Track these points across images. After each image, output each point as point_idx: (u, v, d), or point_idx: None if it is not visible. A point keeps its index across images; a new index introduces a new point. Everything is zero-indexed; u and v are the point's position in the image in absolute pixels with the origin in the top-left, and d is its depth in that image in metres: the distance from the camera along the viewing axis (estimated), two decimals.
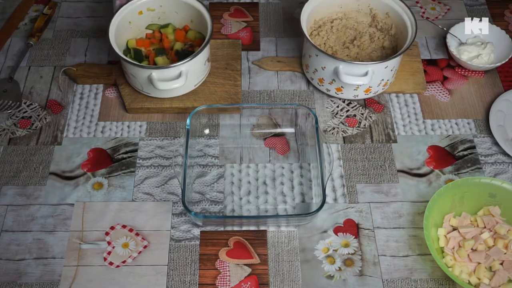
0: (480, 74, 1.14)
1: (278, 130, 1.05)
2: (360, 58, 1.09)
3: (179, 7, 1.10)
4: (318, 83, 1.07)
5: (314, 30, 1.12)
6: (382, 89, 1.06)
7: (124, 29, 1.07)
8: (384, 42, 1.11)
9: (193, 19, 1.10)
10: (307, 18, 1.05)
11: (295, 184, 0.97)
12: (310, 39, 1.01)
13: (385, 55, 1.10)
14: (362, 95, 1.05)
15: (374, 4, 1.11)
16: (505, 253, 0.87)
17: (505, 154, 1.01)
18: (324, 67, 1.02)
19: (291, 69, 1.13)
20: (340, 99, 1.08)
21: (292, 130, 1.04)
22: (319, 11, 1.10)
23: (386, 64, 0.99)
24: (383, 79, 1.03)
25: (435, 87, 1.12)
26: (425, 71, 1.15)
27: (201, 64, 1.04)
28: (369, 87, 1.02)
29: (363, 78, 0.97)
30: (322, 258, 0.89)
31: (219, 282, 0.87)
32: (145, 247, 0.90)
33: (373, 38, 1.12)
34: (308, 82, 1.11)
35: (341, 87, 1.03)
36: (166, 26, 1.12)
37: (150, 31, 1.13)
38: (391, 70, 1.02)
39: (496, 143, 1.03)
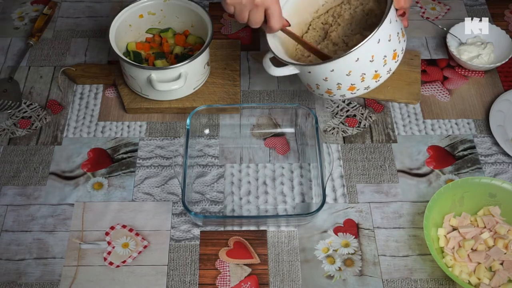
0: (480, 74, 1.14)
1: (278, 130, 1.05)
2: (353, 26, 0.98)
3: (180, 12, 1.10)
4: (328, 96, 0.94)
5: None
6: (375, 82, 0.89)
7: (124, 31, 1.07)
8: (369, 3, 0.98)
9: (194, 24, 1.10)
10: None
11: (295, 184, 0.97)
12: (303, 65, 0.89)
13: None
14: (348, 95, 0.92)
15: None
16: (505, 253, 0.87)
17: (505, 154, 1.01)
18: (326, 78, 0.88)
19: None
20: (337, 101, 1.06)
21: (292, 130, 1.04)
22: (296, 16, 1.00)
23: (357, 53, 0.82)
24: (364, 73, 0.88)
25: (435, 87, 1.12)
26: (425, 71, 1.14)
27: (200, 67, 1.04)
28: (352, 84, 0.88)
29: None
30: (322, 258, 0.89)
31: (219, 282, 0.87)
32: (145, 247, 0.90)
33: (352, 5, 1.00)
34: None
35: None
36: (166, 30, 1.12)
37: (150, 35, 1.13)
38: (371, 61, 0.85)
39: (496, 143, 1.03)
